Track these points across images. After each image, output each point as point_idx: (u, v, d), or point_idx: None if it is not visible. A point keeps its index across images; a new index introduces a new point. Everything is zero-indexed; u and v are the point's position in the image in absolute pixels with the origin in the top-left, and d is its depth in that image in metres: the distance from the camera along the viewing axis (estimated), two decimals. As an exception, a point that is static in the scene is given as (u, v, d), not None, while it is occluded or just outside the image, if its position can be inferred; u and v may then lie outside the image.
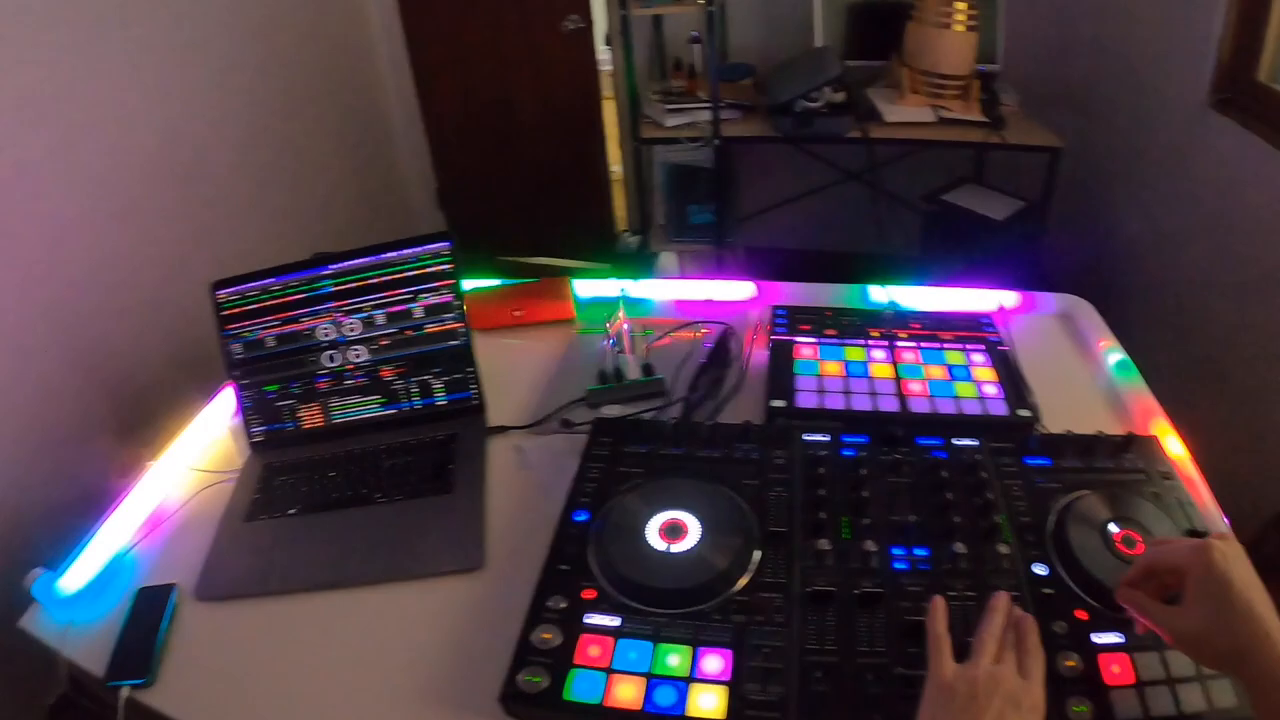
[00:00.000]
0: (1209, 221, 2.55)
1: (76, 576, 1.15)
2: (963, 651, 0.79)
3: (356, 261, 1.33)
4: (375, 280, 1.34)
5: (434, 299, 1.34)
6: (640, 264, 3.45)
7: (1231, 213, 2.43)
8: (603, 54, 3.66)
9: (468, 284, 1.55)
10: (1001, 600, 0.85)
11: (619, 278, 1.62)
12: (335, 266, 1.33)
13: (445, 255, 1.33)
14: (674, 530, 0.99)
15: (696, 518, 1.00)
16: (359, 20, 3.55)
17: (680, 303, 1.60)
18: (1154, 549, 0.85)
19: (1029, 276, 2.69)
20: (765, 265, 3.67)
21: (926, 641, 0.81)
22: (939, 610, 0.83)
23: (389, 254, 1.33)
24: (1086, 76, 3.34)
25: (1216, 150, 2.53)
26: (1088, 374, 1.41)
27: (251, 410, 1.36)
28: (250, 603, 1.10)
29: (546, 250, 3.80)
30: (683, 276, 3.47)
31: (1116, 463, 1.11)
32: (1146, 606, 0.83)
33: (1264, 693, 0.72)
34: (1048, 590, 0.92)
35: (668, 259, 3.57)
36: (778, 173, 3.63)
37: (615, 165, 3.90)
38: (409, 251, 1.33)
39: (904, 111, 3.01)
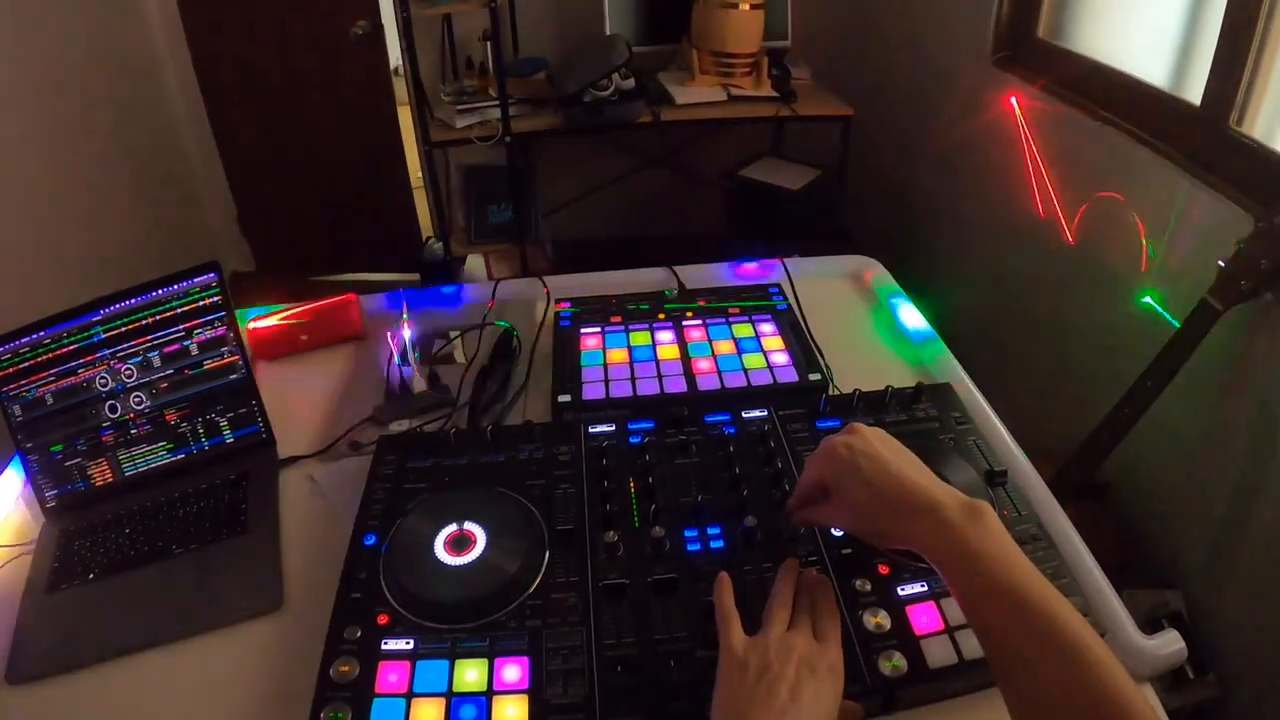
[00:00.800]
0: (997, 173, 2.69)
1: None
2: (758, 625, 0.79)
3: (125, 304, 1.25)
4: (146, 320, 1.26)
5: (208, 334, 1.27)
6: (449, 270, 3.41)
7: (1018, 164, 2.56)
8: (396, 60, 3.58)
9: (251, 313, 1.49)
10: (789, 566, 0.86)
11: (428, 286, 1.58)
12: (104, 311, 1.24)
13: (214, 287, 1.26)
14: (460, 542, 0.96)
15: (482, 527, 0.97)
16: (144, 44, 3.39)
17: (471, 306, 1.57)
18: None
19: (832, 243, 2.78)
20: (572, 258, 3.68)
21: (716, 621, 0.81)
22: (724, 586, 0.84)
23: (157, 291, 1.25)
24: (875, 45, 3.47)
25: (1001, 105, 2.66)
26: (881, 331, 1.45)
27: (41, 474, 1.26)
28: (63, 680, 1.02)
29: (355, 265, 3.72)
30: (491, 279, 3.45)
31: (909, 414, 1.14)
32: (811, 514, 0.88)
33: (943, 568, 0.74)
34: (846, 550, 0.93)
35: (474, 262, 3.54)
36: (579, 164, 3.65)
37: (416, 173, 3.83)
38: (178, 287, 1.26)
39: (695, 93, 3.06)
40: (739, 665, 0.75)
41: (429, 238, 3.90)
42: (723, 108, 3.04)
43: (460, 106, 2.98)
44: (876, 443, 0.83)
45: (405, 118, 3.67)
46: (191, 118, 3.63)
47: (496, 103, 2.91)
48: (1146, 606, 1.87)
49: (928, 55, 3.17)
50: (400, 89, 3.62)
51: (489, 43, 3.05)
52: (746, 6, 3.00)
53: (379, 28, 3.47)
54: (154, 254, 3.27)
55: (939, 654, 0.83)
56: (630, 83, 2.99)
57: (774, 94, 3.07)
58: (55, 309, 1.25)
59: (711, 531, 0.97)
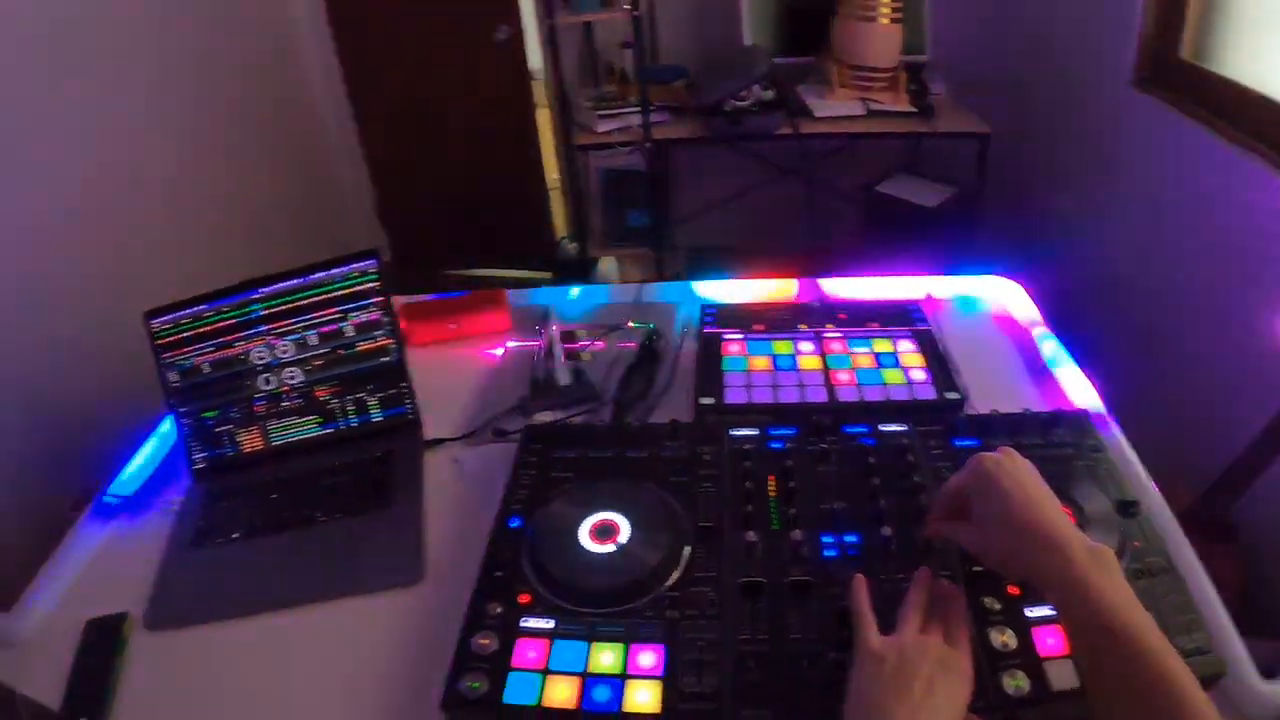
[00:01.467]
0: (1137, 199, 2.61)
1: (29, 610, 1.14)
2: (890, 629, 0.81)
3: (286, 284, 1.32)
4: (305, 301, 1.33)
5: (364, 316, 1.33)
6: (581, 270, 3.46)
7: (1157, 189, 2.48)
8: (535, 63, 3.67)
9: (405, 300, 1.56)
10: (923, 575, 0.87)
11: (558, 286, 1.62)
12: (265, 290, 1.32)
13: (373, 273, 1.33)
14: (605, 531, 0.99)
15: (626, 517, 1.00)
16: (292, 41, 3.53)
17: (614, 306, 1.61)
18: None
19: (964, 261, 2.73)
20: (705, 265, 3.69)
21: (852, 620, 0.83)
22: (860, 586, 0.86)
23: (317, 274, 1.32)
24: (1013, 62, 3.39)
25: (1142, 129, 2.58)
26: (1018, 354, 1.44)
27: (192, 438, 1.35)
28: (200, 629, 1.09)
29: (487, 261, 3.80)
30: (623, 281, 3.49)
31: (1045, 439, 1.12)
32: (944, 530, 0.89)
33: (1061, 608, 0.75)
34: (978, 568, 0.93)
35: (607, 264, 3.58)
36: (714, 173, 3.65)
37: (553, 173, 3.91)
38: (337, 271, 1.32)
39: (833, 106, 3.04)
40: (876, 659, 0.77)
41: (563, 237, 4.00)
42: (861, 122, 3.02)
43: (601, 112, 3.04)
44: (1024, 472, 0.84)
45: (543, 120, 3.75)
46: (336, 111, 3.77)
47: (637, 109, 2.96)
48: (1266, 656, 1.79)
49: (1067, 74, 3.08)
50: (539, 92, 3.70)
51: (629, 50, 3.11)
52: (886, 20, 2.97)
53: (520, 32, 3.55)
54: (294, 240, 3.41)
55: (1062, 677, 0.82)
56: (770, 94, 3.00)
57: (912, 109, 3.04)
58: (198, 290, 1.33)
59: (848, 539, 0.98)
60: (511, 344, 1.55)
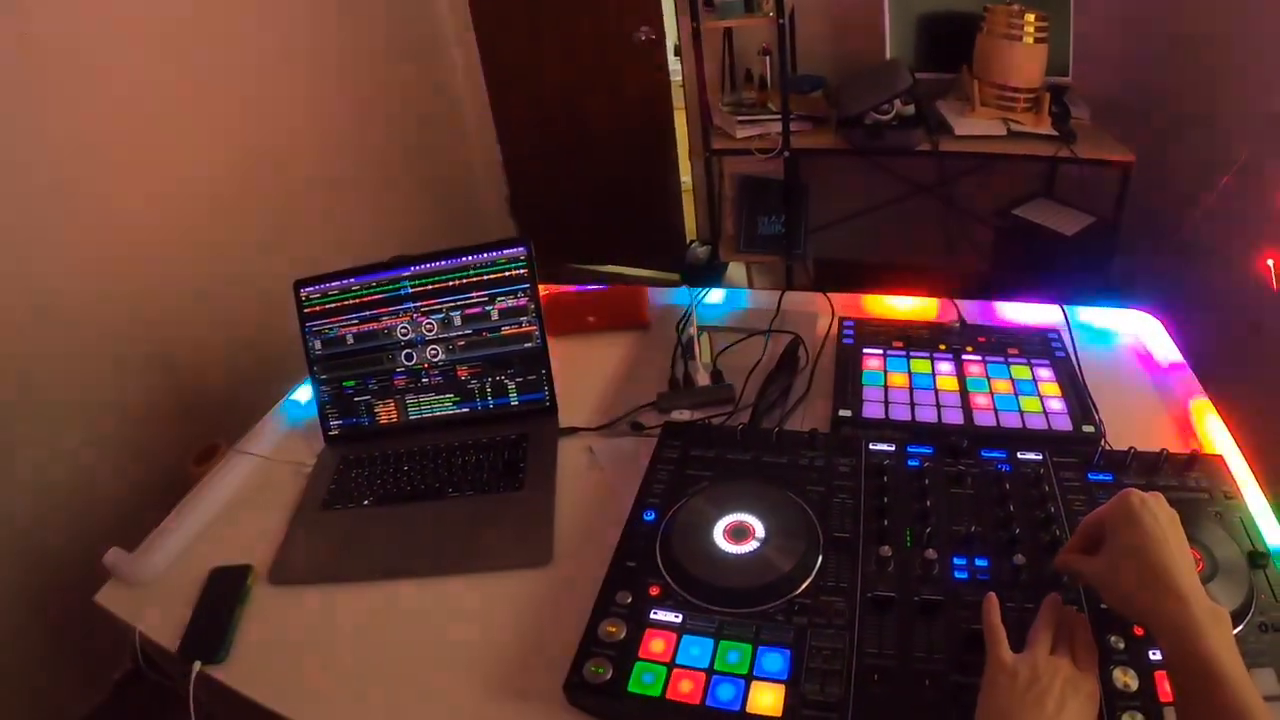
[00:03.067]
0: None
1: (154, 554, 1.21)
2: (1019, 649, 0.82)
3: (436, 264, 1.38)
4: (453, 283, 1.38)
5: (510, 302, 1.38)
6: (709, 274, 3.47)
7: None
8: (673, 65, 3.69)
9: (547, 289, 1.59)
10: (1053, 599, 0.87)
11: (690, 287, 1.64)
12: (415, 268, 1.38)
13: (522, 260, 1.37)
14: (739, 532, 1.01)
15: (761, 521, 1.02)
16: (433, 32, 3.64)
17: (750, 312, 1.62)
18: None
19: (1099, 292, 2.66)
20: (833, 277, 3.64)
21: (984, 635, 0.84)
22: (992, 604, 0.87)
23: (467, 257, 1.37)
24: (1160, 89, 3.28)
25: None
26: (1154, 391, 1.40)
27: (329, 404, 1.41)
28: (323, 588, 1.14)
29: (616, 259, 3.83)
30: (751, 288, 3.48)
31: (1180, 481, 1.10)
32: (1071, 562, 0.88)
33: (1167, 654, 0.74)
34: (1105, 605, 0.92)
35: (736, 270, 3.58)
36: (848, 185, 3.62)
37: (685, 176, 3.93)
38: (487, 256, 1.37)
39: (974, 124, 2.99)
40: (1009, 673, 0.78)
41: (693, 241, 4.01)
42: (1001, 143, 2.96)
43: (740, 118, 3.04)
44: (1167, 517, 0.83)
45: (679, 122, 3.78)
46: (474, 102, 3.87)
47: (776, 116, 2.96)
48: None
49: (1214, 105, 2.97)
50: (677, 95, 3.73)
51: (768, 57, 3.10)
52: (1030, 40, 2.90)
53: (661, 34, 3.58)
54: (430, 229, 3.54)
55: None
56: (911, 109, 2.96)
57: (1053, 132, 2.96)
58: (337, 265, 1.40)
59: (980, 563, 0.98)
60: (648, 340, 1.57)
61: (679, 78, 3.70)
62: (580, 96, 3.79)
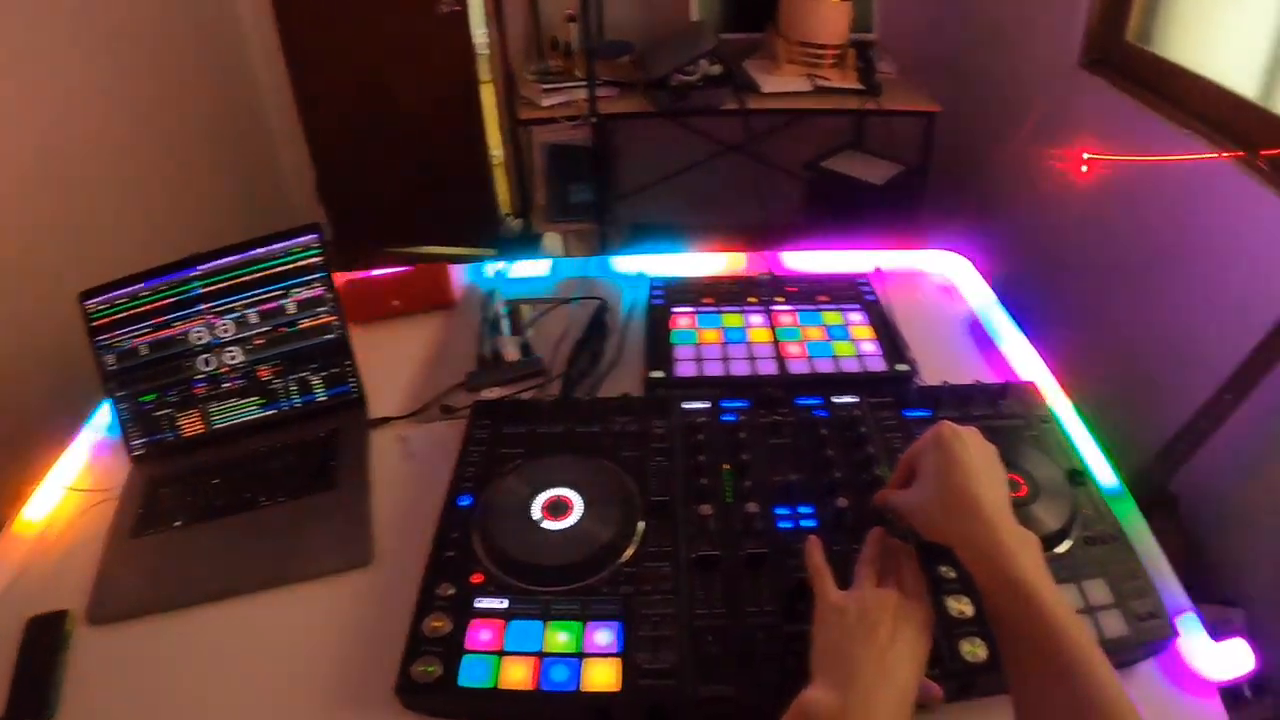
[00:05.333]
0: (1082, 178, 2.64)
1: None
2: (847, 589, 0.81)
3: (225, 260, 1.28)
4: (245, 278, 1.29)
5: (306, 293, 1.30)
6: (525, 246, 3.44)
7: (1103, 169, 2.51)
8: (480, 37, 3.61)
9: (346, 276, 1.52)
10: (876, 533, 0.88)
11: (501, 261, 1.60)
12: (204, 267, 1.27)
13: (315, 247, 1.29)
14: (557, 507, 0.98)
15: (578, 493, 0.99)
16: (230, 15, 3.45)
17: (559, 281, 1.59)
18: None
19: (910, 238, 2.75)
20: (649, 240, 3.68)
21: (810, 578, 0.83)
22: (815, 545, 0.86)
23: (257, 250, 1.28)
24: (961, 42, 3.42)
25: (1089, 110, 2.61)
26: (965, 327, 1.45)
27: (130, 423, 1.30)
28: (145, 621, 1.05)
29: (431, 238, 3.75)
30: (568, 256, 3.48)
31: (995, 410, 1.14)
32: (888, 495, 0.90)
33: (980, 579, 0.76)
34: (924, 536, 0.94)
35: (551, 240, 3.57)
36: (659, 149, 3.64)
37: (496, 149, 3.86)
38: (278, 246, 1.28)
39: (780, 82, 3.04)
40: (838, 610, 0.77)
41: (506, 214, 3.95)
42: (808, 98, 3.02)
43: (546, 86, 3.00)
44: (980, 448, 0.85)
45: (487, 95, 3.70)
46: (275, 86, 3.69)
47: (582, 83, 2.92)
48: (1209, 623, 1.85)
49: (1015, 54, 3.12)
50: (483, 67, 3.65)
51: (575, 24, 3.07)
52: (834, -3, 2.98)
53: (465, 6, 3.49)
54: (234, 218, 3.34)
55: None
56: (717, 69, 2.99)
57: (859, 87, 3.04)
58: (137, 268, 1.28)
59: (802, 510, 0.98)
60: (456, 320, 1.52)
61: (486, 51, 3.62)
62: (385, 73, 3.66)
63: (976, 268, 1.59)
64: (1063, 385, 1.27)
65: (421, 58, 3.62)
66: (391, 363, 1.42)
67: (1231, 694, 1.76)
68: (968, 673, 0.81)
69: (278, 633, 1.02)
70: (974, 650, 0.82)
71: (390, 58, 3.63)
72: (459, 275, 1.61)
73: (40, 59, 2.36)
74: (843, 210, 3.16)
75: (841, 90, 3.05)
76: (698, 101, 2.96)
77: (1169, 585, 0.97)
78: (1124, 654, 0.87)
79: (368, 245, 3.62)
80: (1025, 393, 1.17)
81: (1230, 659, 0.92)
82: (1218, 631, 1.82)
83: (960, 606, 0.86)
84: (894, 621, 0.75)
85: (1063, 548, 0.93)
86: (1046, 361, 1.33)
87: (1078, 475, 1.01)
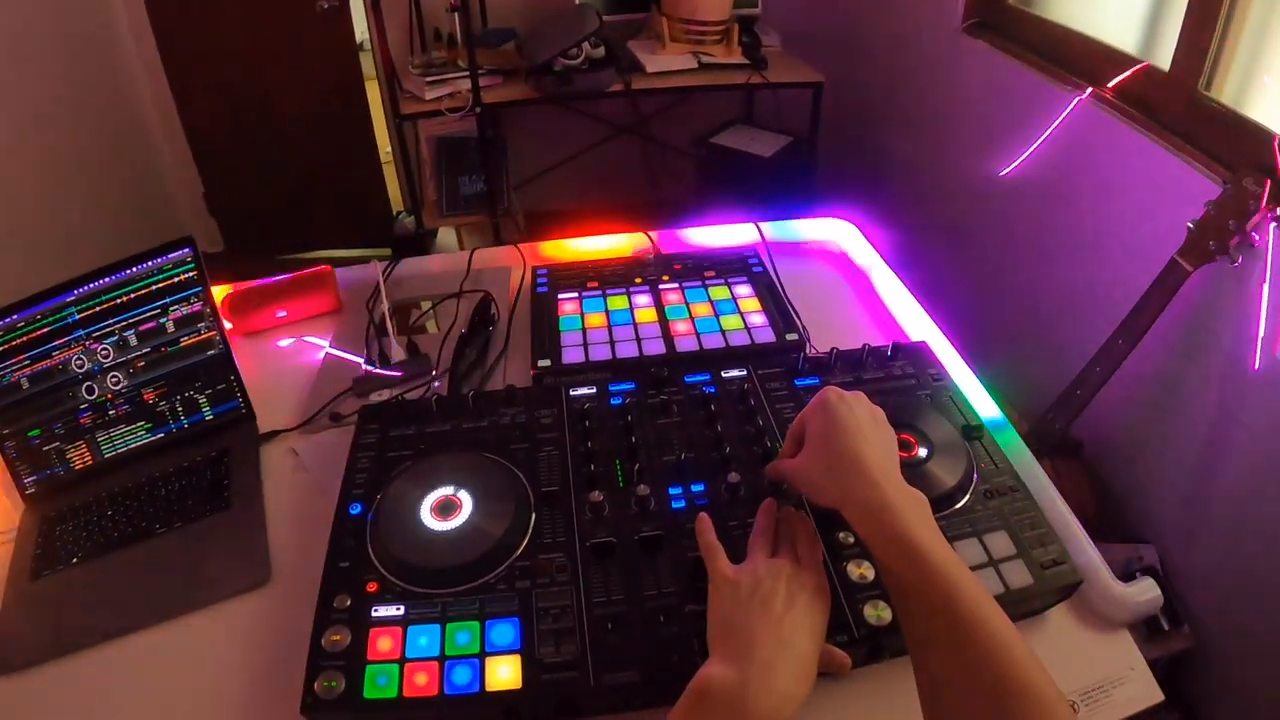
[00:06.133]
0: (970, 139, 2.70)
1: None
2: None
3: (99, 282, 1.23)
4: (121, 299, 1.24)
5: (184, 310, 1.26)
6: (419, 244, 3.40)
7: (989, 129, 2.57)
8: (361, 33, 3.55)
9: (228, 288, 1.49)
10: (769, 504, 0.89)
11: (385, 261, 1.58)
12: (78, 291, 1.22)
13: (189, 262, 1.25)
14: (446, 507, 0.96)
15: (467, 491, 0.98)
16: (106, 26, 3.32)
17: (446, 276, 1.57)
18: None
19: (803, 209, 2.78)
20: (545, 228, 3.67)
21: (702, 555, 0.84)
22: (705, 523, 0.87)
23: (131, 269, 1.24)
24: (845, 12, 3.46)
25: (972, 72, 2.67)
26: (854, 294, 1.47)
27: (18, 460, 1.25)
28: (50, 667, 1.02)
29: (323, 242, 3.68)
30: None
31: (886, 372, 1.15)
32: (779, 464, 0.90)
33: (868, 538, 0.77)
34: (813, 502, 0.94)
35: (446, 235, 3.53)
36: (549, 135, 3.63)
37: (386, 146, 3.80)
38: (151, 264, 1.24)
39: (665, 61, 3.04)
40: (731, 584, 0.78)
41: (399, 212, 3.90)
42: (693, 75, 3.03)
43: (429, 78, 2.96)
44: (864, 411, 0.85)
45: (373, 92, 3.64)
46: (155, 94, 3.57)
47: (466, 74, 2.89)
48: (1121, 561, 1.91)
49: (898, 21, 3.16)
50: (367, 63, 3.58)
51: (457, 14, 3.03)
52: (715, -27, 2.99)
53: (344, 1, 3.42)
54: (120, 234, 3.22)
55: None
56: (601, 51, 2.98)
57: (745, 61, 3.06)
58: (19, 294, 1.23)
59: (695, 489, 0.98)
60: (343, 324, 1.49)
61: (369, 46, 3.54)
62: (266, 76, 3.57)
63: (867, 236, 1.61)
64: (957, 345, 1.29)
65: (303, 60, 3.54)
66: (281, 374, 1.39)
67: (1148, 627, 1.84)
68: (873, 635, 0.82)
69: (185, 663, 0.99)
70: (878, 614, 0.83)
71: (272, 62, 3.54)
72: (344, 277, 1.58)
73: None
74: (735, 185, 3.18)
75: (727, 66, 3.06)
76: (582, 85, 2.94)
77: (1074, 532, 0.99)
78: (1032, 602, 0.89)
79: (261, 255, 3.55)
80: (916, 353, 1.18)
81: (1139, 596, 0.93)
82: (1130, 569, 1.90)
83: (861, 571, 0.87)
84: (788, 591, 0.76)
85: (962, 503, 0.94)
86: (943, 325, 1.35)
87: (973, 430, 1.03)
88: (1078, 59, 2.26)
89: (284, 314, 1.49)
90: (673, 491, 0.98)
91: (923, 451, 0.97)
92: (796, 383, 1.13)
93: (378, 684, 0.83)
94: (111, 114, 3.36)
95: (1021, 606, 0.88)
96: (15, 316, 1.22)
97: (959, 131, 2.80)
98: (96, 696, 0.98)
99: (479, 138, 3.13)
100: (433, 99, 2.97)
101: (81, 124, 3.11)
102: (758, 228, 1.56)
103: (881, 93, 3.32)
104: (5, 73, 2.68)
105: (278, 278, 1.50)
